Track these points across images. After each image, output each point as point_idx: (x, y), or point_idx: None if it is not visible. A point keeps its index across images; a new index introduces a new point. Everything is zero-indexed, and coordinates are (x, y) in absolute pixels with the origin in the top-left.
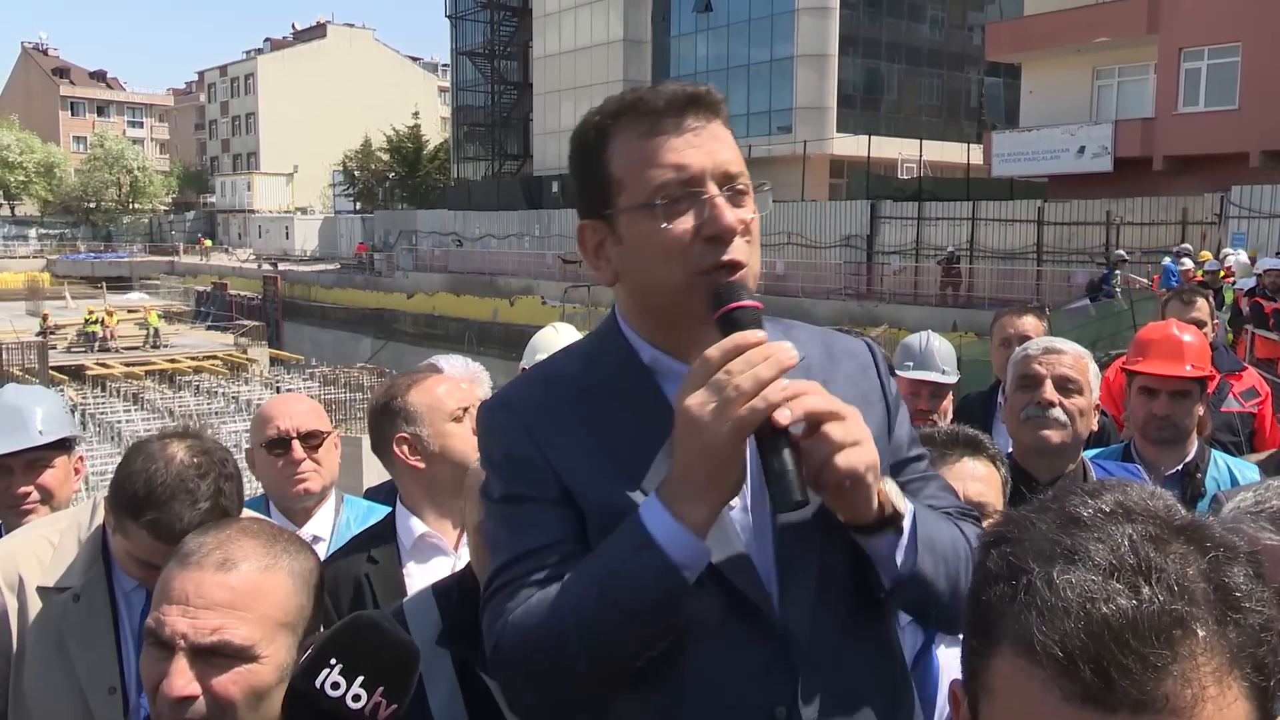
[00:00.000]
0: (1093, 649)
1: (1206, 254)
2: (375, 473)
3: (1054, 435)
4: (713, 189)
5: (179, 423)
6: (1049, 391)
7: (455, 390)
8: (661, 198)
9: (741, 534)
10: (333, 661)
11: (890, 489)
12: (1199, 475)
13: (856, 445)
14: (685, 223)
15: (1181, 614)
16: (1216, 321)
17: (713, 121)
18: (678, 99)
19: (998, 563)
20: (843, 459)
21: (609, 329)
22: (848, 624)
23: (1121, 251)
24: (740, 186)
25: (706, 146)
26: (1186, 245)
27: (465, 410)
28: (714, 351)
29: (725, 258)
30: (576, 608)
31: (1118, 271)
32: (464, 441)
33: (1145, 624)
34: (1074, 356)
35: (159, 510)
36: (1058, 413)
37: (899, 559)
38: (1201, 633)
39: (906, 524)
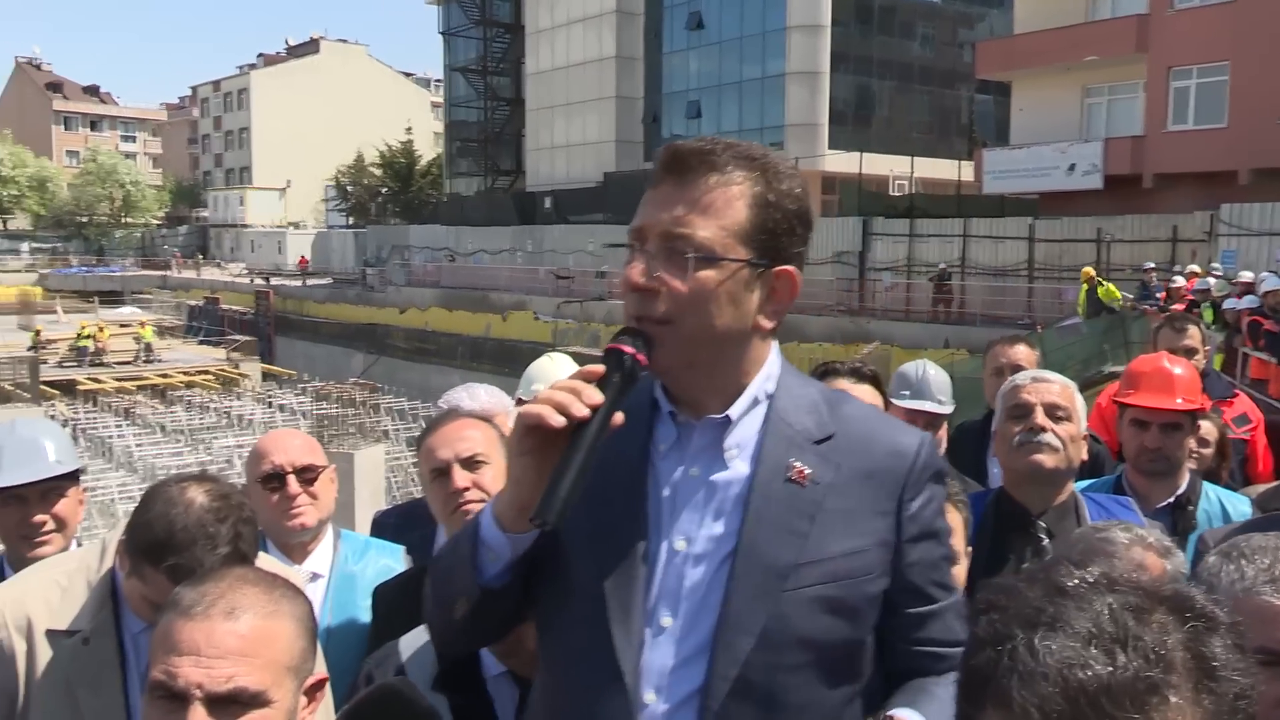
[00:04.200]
0: (1069, 712)
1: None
2: (369, 490)
3: (1048, 460)
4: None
5: (170, 437)
6: (1040, 417)
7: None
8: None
9: (674, 579)
10: None
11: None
12: (1190, 508)
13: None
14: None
15: (1156, 681)
16: (1209, 348)
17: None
18: (658, 161)
19: (986, 629)
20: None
21: None
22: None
23: (1150, 264)
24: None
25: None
26: (1154, 265)
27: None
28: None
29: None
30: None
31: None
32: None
33: (1119, 689)
34: (1061, 386)
35: (180, 555)
36: (1050, 437)
37: None
38: (1174, 699)
39: None
